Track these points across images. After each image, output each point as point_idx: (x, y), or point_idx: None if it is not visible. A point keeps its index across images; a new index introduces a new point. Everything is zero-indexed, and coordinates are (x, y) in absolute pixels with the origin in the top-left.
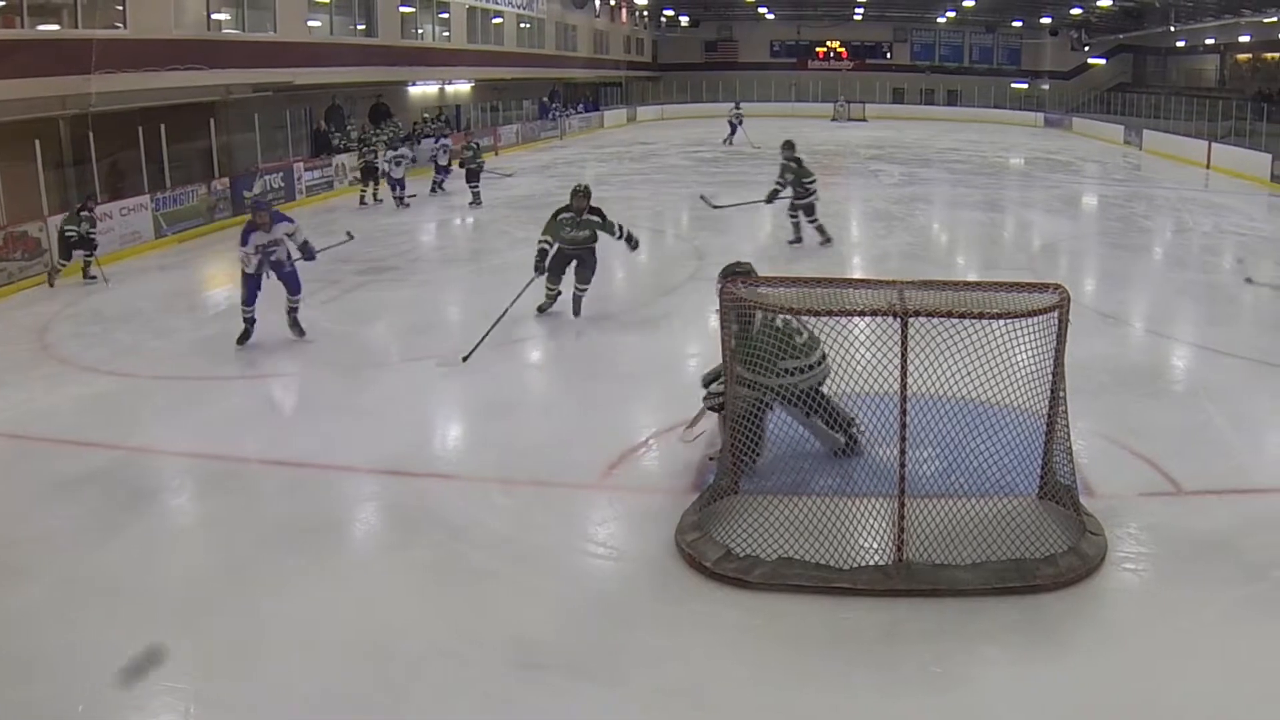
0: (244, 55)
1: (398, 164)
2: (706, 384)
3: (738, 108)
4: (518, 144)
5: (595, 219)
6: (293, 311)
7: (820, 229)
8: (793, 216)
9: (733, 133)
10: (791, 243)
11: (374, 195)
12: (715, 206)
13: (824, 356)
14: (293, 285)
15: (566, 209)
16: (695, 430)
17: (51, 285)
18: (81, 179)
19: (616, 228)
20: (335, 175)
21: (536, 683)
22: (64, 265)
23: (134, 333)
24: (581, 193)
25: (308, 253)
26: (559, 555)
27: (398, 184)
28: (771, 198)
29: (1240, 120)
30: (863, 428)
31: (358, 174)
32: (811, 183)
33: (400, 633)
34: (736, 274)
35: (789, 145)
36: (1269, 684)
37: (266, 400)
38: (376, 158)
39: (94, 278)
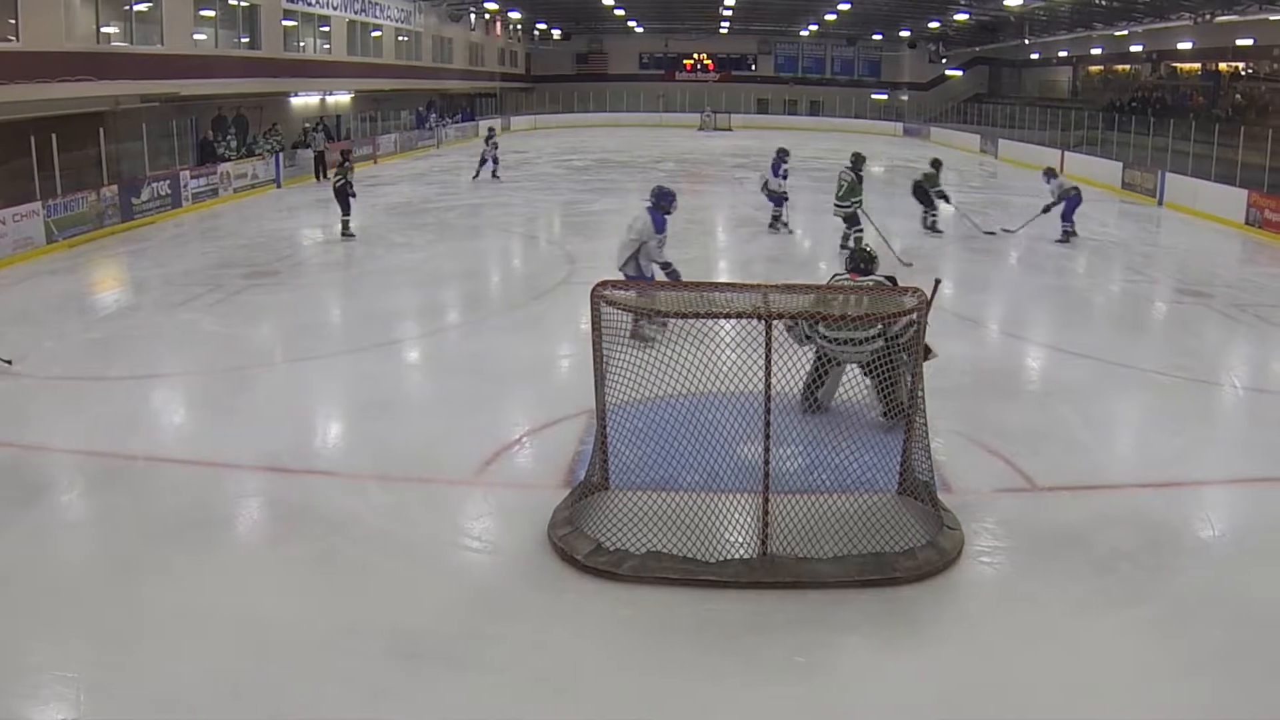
0: (132, 67)
1: None
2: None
3: (935, 170)
4: (396, 153)
5: None
6: None
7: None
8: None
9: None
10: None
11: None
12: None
13: (860, 341)
14: None
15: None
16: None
17: None
18: None
19: None
20: (220, 183)
21: (412, 672)
22: None
23: (26, 334)
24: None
25: None
26: (435, 549)
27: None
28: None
29: (1092, 130)
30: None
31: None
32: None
33: (280, 624)
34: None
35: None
36: (1115, 671)
37: (154, 400)
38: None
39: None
